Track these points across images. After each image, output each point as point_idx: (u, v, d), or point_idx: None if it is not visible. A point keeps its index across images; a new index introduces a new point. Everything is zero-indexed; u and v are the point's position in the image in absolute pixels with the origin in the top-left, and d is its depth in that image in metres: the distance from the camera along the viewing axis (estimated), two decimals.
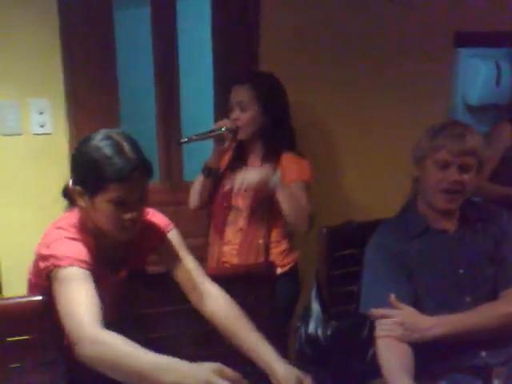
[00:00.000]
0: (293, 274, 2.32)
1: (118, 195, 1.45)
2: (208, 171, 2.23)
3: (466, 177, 1.73)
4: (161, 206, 2.48)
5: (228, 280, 1.73)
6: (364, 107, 2.66)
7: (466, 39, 2.69)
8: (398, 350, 1.67)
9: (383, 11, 2.55)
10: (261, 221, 2.20)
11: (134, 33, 2.72)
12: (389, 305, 1.72)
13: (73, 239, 1.50)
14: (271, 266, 1.79)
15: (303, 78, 2.53)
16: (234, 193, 2.18)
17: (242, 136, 2.19)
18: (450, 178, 1.72)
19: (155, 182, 2.63)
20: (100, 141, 1.47)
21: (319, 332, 1.98)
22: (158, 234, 1.68)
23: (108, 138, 1.48)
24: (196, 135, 2.16)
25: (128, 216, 1.49)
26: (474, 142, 1.72)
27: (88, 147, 1.48)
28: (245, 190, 2.07)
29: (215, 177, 2.25)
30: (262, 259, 2.21)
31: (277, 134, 2.18)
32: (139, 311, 1.70)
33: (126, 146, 1.46)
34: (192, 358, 1.30)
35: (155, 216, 1.71)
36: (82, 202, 1.52)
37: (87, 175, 1.48)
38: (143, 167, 1.48)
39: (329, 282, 2.10)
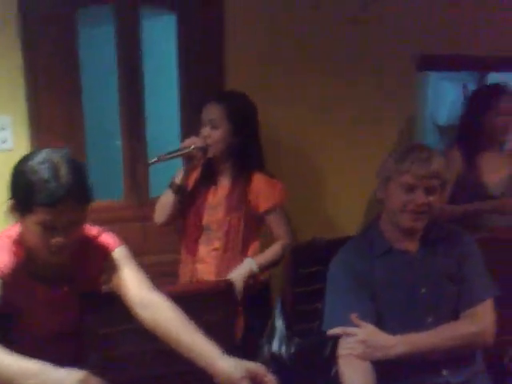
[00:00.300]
0: (266, 291, 2.33)
1: (46, 219, 1.45)
2: (177, 188, 2.21)
3: (431, 198, 1.76)
4: (127, 223, 2.52)
5: (186, 298, 1.70)
6: (327, 123, 2.69)
7: (430, 63, 2.75)
8: (359, 368, 1.67)
9: (347, 32, 2.60)
10: (236, 239, 2.20)
11: (98, 51, 2.72)
12: (351, 323, 1.72)
13: (1, 248, 1.52)
14: (229, 284, 1.76)
15: (268, 92, 2.55)
16: (204, 213, 2.21)
17: (211, 154, 2.18)
18: (417, 200, 1.74)
19: (120, 199, 2.61)
20: (38, 163, 1.46)
21: (282, 350, 1.96)
22: (103, 253, 1.67)
23: (46, 160, 1.46)
24: (165, 154, 2.15)
25: (55, 240, 1.48)
26: (439, 166, 1.76)
27: (25, 167, 1.48)
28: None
29: (183, 194, 2.23)
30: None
31: (247, 154, 2.19)
32: (96, 330, 1.66)
33: (63, 170, 1.45)
34: (155, 376, 1.26)
35: (102, 236, 1.71)
36: (15, 218, 1.53)
37: (19, 194, 1.48)
38: (77, 192, 1.47)
39: (294, 299, 2.10)
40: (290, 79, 2.59)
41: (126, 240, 2.48)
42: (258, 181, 2.20)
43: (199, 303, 1.73)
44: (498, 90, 2.62)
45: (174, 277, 2.36)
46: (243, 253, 2.22)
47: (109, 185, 2.69)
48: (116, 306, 1.62)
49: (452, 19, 2.74)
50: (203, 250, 2.24)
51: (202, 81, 2.57)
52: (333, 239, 2.13)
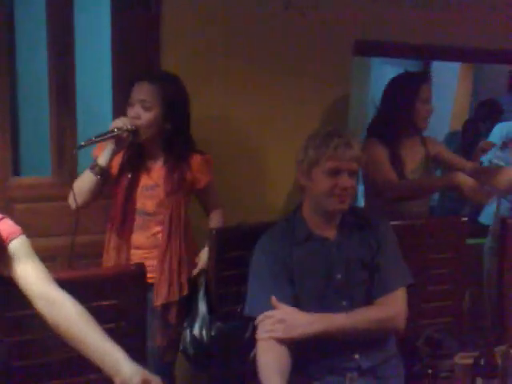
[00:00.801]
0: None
1: None
2: (100, 170, 2.07)
3: (353, 181, 1.82)
4: (56, 201, 2.46)
5: (95, 283, 1.68)
6: (265, 113, 2.69)
7: (365, 48, 2.77)
8: (275, 352, 1.69)
9: (280, 20, 2.58)
10: (179, 222, 2.17)
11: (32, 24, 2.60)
12: (271, 308, 1.75)
13: None
14: (141, 267, 1.75)
15: (203, 79, 2.53)
16: (137, 196, 2.14)
17: (141, 137, 2.10)
18: (343, 184, 1.78)
19: (48, 176, 2.55)
20: None
21: (203, 333, 1.99)
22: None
23: None
24: (94, 137, 2.03)
25: None
26: (359, 150, 1.83)
27: None
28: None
29: (105, 176, 2.11)
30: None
31: (179, 139, 2.15)
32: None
33: None
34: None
35: (2, 223, 1.59)
36: None
37: None
38: None
39: (217, 282, 2.11)
40: (223, 64, 2.57)
41: (55, 219, 2.49)
42: (195, 160, 2.18)
43: (111, 287, 1.70)
44: (420, 78, 2.65)
45: (99, 258, 2.32)
46: (186, 238, 2.20)
47: (41, 161, 2.63)
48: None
49: (387, 6, 2.77)
50: (140, 235, 2.17)
51: (136, 57, 2.52)
52: (257, 224, 2.13)
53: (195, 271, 2.21)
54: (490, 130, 4.08)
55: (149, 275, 1.96)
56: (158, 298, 2.14)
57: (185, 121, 2.17)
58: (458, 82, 6.01)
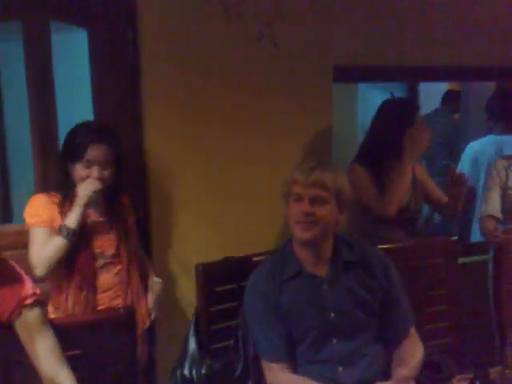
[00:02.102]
0: None
1: None
2: (71, 232, 2.00)
3: (317, 209, 1.74)
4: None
5: (83, 329, 1.65)
6: (245, 149, 2.69)
7: (344, 74, 2.78)
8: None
9: (255, 50, 2.59)
10: (134, 255, 2.23)
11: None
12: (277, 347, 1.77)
13: None
14: (130, 310, 1.71)
15: (187, 107, 2.56)
16: (96, 241, 2.13)
17: (103, 193, 2.13)
18: (302, 209, 1.74)
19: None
20: None
21: (193, 372, 1.94)
22: (17, 299, 1.55)
23: None
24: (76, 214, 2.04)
25: None
26: (322, 175, 1.75)
27: None
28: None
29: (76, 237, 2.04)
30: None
31: (117, 181, 2.19)
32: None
33: None
34: None
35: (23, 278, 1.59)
36: None
37: None
38: None
39: (207, 318, 2.08)
40: (200, 96, 2.58)
41: None
42: (124, 200, 2.28)
43: (99, 332, 1.67)
44: (412, 104, 2.65)
45: None
46: (137, 266, 2.26)
47: None
48: None
49: (365, 31, 2.79)
50: (106, 277, 2.15)
51: (116, 99, 2.53)
52: (243, 257, 2.13)
53: (150, 303, 2.27)
54: None
55: None
56: None
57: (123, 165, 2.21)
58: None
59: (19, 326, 1.55)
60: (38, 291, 1.59)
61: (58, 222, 2.05)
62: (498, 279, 2.30)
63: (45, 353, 1.55)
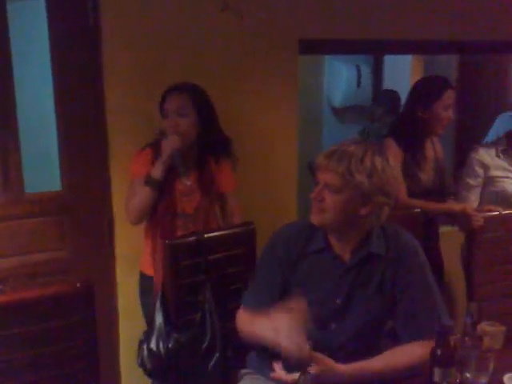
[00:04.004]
0: None
1: None
2: (155, 183, 2.20)
3: (328, 196, 1.64)
4: (2, 222, 2.39)
5: (43, 304, 1.62)
6: None
7: (309, 47, 2.77)
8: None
9: (219, 21, 2.54)
10: (211, 220, 2.35)
11: None
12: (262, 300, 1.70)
13: None
14: (88, 284, 1.69)
15: (148, 85, 2.48)
16: (177, 200, 2.27)
17: (184, 142, 2.23)
18: (313, 192, 1.67)
19: None
20: None
21: (160, 346, 1.95)
22: None
23: None
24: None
25: None
26: (338, 162, 1.61)
27: None
28: None
29: (160, 188, 2.23)
30: None
31: (211, 142, 2.30)
32: None
33: None
34: None
35: None
36: None
37: None
38: None
39: (173, 292, 2.08)
40: (165, 74, 2.50)
41: (5, 240, 2.40)
42: (225, 168, 2.37)
43: (58, 307, 1.64)
44: (445, 83, 2.64)
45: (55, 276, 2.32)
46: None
47: None
48: None
49: (329, 3, 2.76)
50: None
51: (76, 67, 2.46)
52: (209, 230, 2.18)
53: None
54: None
55: None
56: None
57: (215, 124, 2.31)
58: (410, 76, 6.09)
59: None
60: None
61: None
62: (471, 254, 2.40)
63: None
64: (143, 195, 2.22)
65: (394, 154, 2.51)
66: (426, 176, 2.67)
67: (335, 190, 1.63)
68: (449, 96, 2.58)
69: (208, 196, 2.32)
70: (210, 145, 2.31)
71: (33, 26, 2.66)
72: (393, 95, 4.99)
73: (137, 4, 2.45)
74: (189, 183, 2.31)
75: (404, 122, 2.67)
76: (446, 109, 2.58)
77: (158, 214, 2.28)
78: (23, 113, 2.45)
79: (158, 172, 2.21)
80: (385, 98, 4.89)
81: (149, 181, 2.21)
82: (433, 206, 2.63)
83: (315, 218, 1.68)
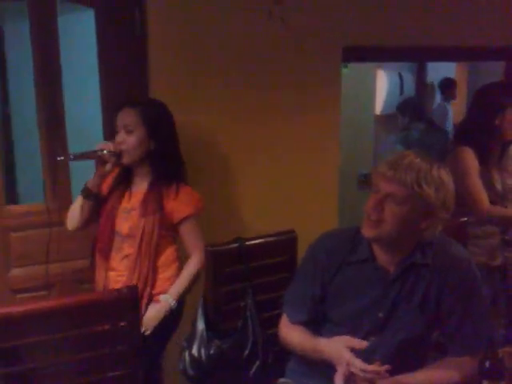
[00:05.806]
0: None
1: None
2: (87, 193, 2.16)
3: (388, 207, 1.57)
4: (48, 228, 2.44)
5: (86, 307, 1.65)
6: (255, 130, 2.66)
7: (352, 54, 2.75)
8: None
9: (264, 30, 2.56)
10: (149, 246, 2.12)
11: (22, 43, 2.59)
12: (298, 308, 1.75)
13: None
14: (134, 290, 1.71)
15: (191, 97, 2.52)
16: (117, 218, 2.14)
17: (126, 160, 2.12)
18: (370, 202, 1.60)
19: (41, 203, 2.53)
20: None
21: (202, 352, 1.95)
22: None
23: None
24: (77, 153, 2.09)
25: None
26: (404, 173, 1.54)
27: None
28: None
29: (95, 199, 2.17)
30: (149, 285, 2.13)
31: (165, 161, 2.14)
32: None
33: None
34: None
35: None
36: None
37: None
38: None
39: (216, 299, 2.08)
40: (210, 80, 2.54)
41: (51, 246, 2.46)
42: (182, 190, 2.15)
43: (102, 312, 1.67)
44: (506, 89, 2.61)
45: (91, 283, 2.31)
46: (155, 260, 2.15)
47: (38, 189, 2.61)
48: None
49: (373, 11, 2.75)
50: (115, 256, 2.18)
51: (124, 79, 2.50)
52: (253, 238, 2.14)
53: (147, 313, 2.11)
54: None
55: None
56: None
57: (170, 142, 2.16)
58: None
59: None
60: None
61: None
62: None
63: None
64: (76, 203, 2.20)
65: (471, 164, 2.51)
66: (500, 184, 2.60)
67: (398, 201, 1.56)
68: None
69: (147, 218, 2.09)
70: (161, 166, 2.14)
71: (81, 37, 2.73)
72: (414, 103, 4.95)
73: (183, 12, 2.47)
74: (131, 201, 2.16)
75: (478, 130, 2.57)
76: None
77: (99, 230, 2.20)
78: (72, 121, 2.52)
79: (91, 182, 2.15)
80: (407, 106, 4.85)
81: (83, 189, 2.17)
82: None
83: (370, 232, 1.61)
